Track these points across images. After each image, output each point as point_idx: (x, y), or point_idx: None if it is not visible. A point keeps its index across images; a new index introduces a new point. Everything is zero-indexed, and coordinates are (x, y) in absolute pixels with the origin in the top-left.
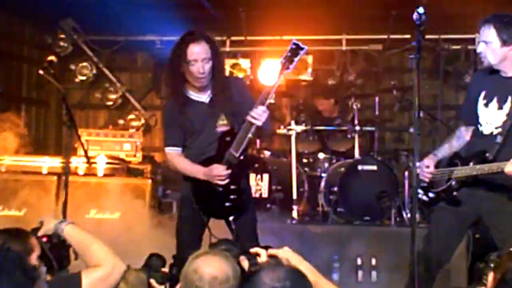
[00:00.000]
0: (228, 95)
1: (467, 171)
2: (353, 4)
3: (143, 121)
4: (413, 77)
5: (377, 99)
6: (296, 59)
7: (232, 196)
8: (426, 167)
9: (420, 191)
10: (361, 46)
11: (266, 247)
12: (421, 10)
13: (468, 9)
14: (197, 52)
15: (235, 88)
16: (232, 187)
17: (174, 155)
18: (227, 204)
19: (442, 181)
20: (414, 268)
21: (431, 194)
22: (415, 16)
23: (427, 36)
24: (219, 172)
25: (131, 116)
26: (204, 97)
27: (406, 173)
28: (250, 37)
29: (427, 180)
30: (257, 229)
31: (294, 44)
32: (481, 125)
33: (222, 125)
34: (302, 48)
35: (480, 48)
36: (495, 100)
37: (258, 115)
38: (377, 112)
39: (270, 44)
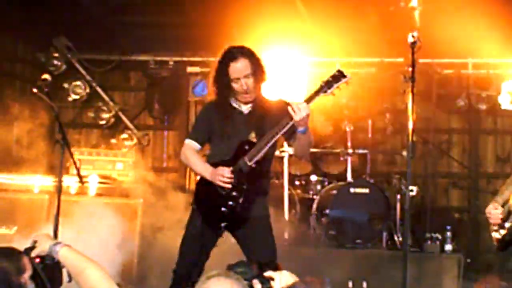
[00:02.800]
0: (266, 115)
1: None
2: (347, 27)
3: (135, 140)
4: (406, 100)
5: (370, 121)
6: (335, 85)
7: (230, 202)
8: (494, 213)
9: (494, 233)
10: (354, 69)
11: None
12: (415, 33)
13: (461, 34)
14: (238, 70)
15: (276, 106)
16: (234, 193)
17: (191, 148)
18: (223, 208)
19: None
20: None
21: (502, 231)
22: (409, 39)
23: (420, 60)
24: (222, 173)
25: (124, 136)
26: (245, 108)
27: (398, 196)
28: None
29: (496, 222)
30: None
31: (339, 71)
32: None
33: (252, 138)
34: (345, 76)
35: None
36: None
37: (298, 108)
38: (370, 135)
39: None
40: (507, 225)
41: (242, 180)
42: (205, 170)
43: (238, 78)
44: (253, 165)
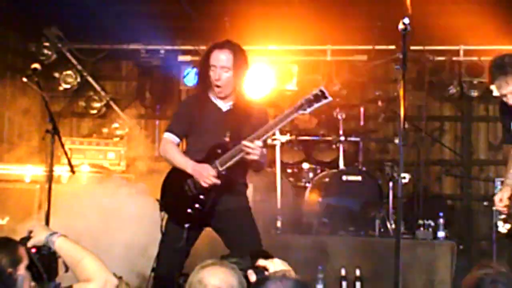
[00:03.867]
0: (244, 117)
1: None
2: (338, 14)
3: (127, 129)
4: (398, 88)
5: (362, 109)
6: (316, 105)
7: (196, 205)
8: (500, 201)
9: (499, 223)
10: (346, 57)
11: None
12: (406, 20)
13: (453, 21)
14: (218, 59)
15: (257, 113)
16: (201, 197)
17: (170, 141)
18: (188, 210)
19: None
20: (398, 278)
21: (507, 226)
22: (400, 26)
23: (412, 47)
24: (209, 174)
25: (115, 125)
26: (224, 105)
27: (391, 184)
28: None
29: (504, 211)
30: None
31: (321, 91)
32: None
33: (227, 137)
34: (326, 97)
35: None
36: None
37: (252, 149)
38: (362, 123)
39: (256, 54)
40: (507, 226)
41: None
42: (186, 163)
43: (215, 66)
44: (224, 172)
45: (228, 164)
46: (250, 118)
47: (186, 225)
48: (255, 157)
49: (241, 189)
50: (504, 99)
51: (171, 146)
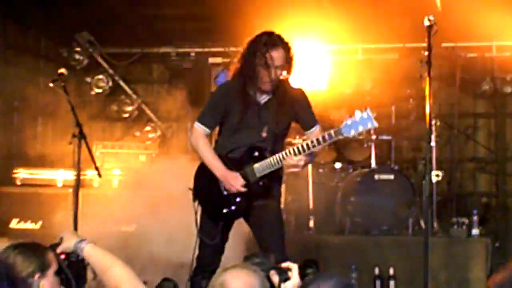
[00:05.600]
0: (282, 107)
1: None
2: (369, 13)
3: (159, 132)
4: (423, 85)
5: (393, 108)
6: (361, 128)
7: (233, 207)
8: None
9: None
10: (377, 55)
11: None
12: (432, 17)
13: (485, 17)
14: (276, 58)
15: (296, 98)
16: (237, 199)
17: (202, 134)
18: (224, 210)
19: None
20: (427, 277)
21: None
22: (426, 23)
23: (443, 44)
24: (236, 184)
25: (147, 128)
26: (261, 98)
27: (424, 182)
28: None
29: None
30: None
31: (368, 114)
32: None
33: (264, 131)
34: (373, 123)
35: None
36: None
37: (292, 165)
38: (393, 121)
39: None
40: None
41: (248, 189)
42: (217, 168)
43: (270, 67)
44: (260, 183)
45: (265, 171)
46: (288, 105)
47: (221, 223)
48: (298, 170)
49: (275, 194)
50: None
51: (204, 142)
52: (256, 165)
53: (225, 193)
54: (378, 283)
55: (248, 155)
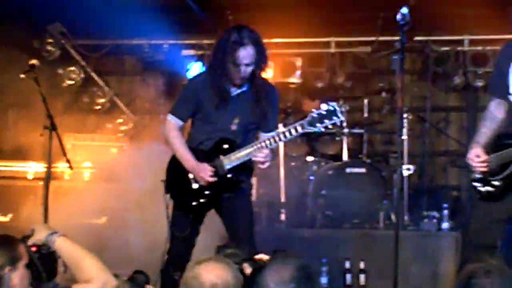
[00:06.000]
0: (255, 99)
1: None
2: (341, 6)
3: (131, 125)
4: (396, 79)
5: (366, 101)
6: (327, 122)
7: (202, 200)
8: (477, 157)
9: (477, 183)
10: (350, 49)
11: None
12: (404, 10)
13: (457, 10)
14: (243, 56)
15: (269, 95)
16: (206, 192)
17: (174, 126)
18: (193, 203)
19: (502, 166)
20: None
21: (496, 182)
22: (398, 16)
23: (416, 38)
24: (205, 175)
25: (120, 120)
26: (233, 91)
27: (395, 176)
28: None
29: (483, 170)
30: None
31: (334, 107)
32: (510, 94)
33: (234, 124)
34: (338, 117)
35: None
36: None
37: (261, 157)
38: (366, 115)
39: None
40: (497, 182)
41: (217, 182)
42: (187, 160)
43: (240, 65)
44: (229, 175)
45: (234, 164)
46: (261, 102)
47: (191, 216)
48: (265, 166)
49: (246, 186)
50: None
51: (176, 134)
52: (225, 158)
53: (195, 185)
54: (348, 276)
55: (218, 148)
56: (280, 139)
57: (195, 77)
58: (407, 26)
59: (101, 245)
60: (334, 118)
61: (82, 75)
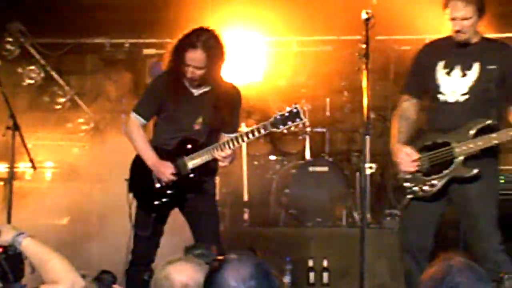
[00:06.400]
0: (218, 100)
1: (478, 143)
2: (303, 5)
3: (92, 124)
4: (361, 78)
5: (328, 100)
6: (290, 123)
7: (164, 199)
8: (408, 156)
9: (408, 183)
10: (311, 48)
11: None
12: (369, 10)
13: (419, 10)
14: (192, 59)
15: (230, 97)
16: (169, 191)
17: (136, 124)
18: (156, 202)
19: (434, 166)
20: (363, 268)
21: (435, 182)
22: (363, 16)
23: (377, 37)
24: (166, 172)
25: (80, 120)
26: (195, 90)
27: (358, 174)
28: None
29: (414, 169)
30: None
31: (297, 109)
32: (443, 94)
33: (197, 124)
34: (301, 118)
35: (459, 25)
36: (457, 68)
37: (223, 157)
38: (328, 113)
39: None
40: (436, 181)
41: (179, 181)
42: (149, 158)
43: (189, 66)
44: (191, 175)
45: (197, 164)
46: (224, 103)
47: (154, 215)
48: (225, 164)
49: (209, 186)
50: (452, 23)
51: (139, 131)
52: (188, 158)
53: (158, 185)
54: (312, 275)
55: (181, 147)
56: (243, 140)
57: (158, 76)
58: (372, 25)
59: (63, 245)
60: (297, 120)
61: (42, 74)
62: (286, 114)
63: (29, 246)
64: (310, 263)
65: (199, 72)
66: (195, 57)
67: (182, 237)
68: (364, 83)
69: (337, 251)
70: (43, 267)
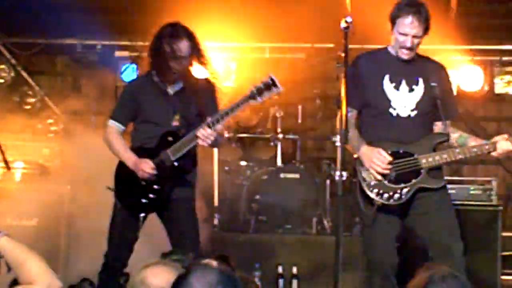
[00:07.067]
0: (192, 97)
1: (443, 156)
2: (277, 12)
3: (62, 126)
4: (336, 86)
5: (300, 107)
6: (267, 94)
7: (151, 195)
8: (382, 156)
9: (377, 191)
10: (284, 55)
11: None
12: (349, 19)
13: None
14: (179, 49)
15: (205, 90)
16: (155, 187)
17: (115, 131)
18: (143, 200)
19: (401, 175)
20: (337, 276)
21: (406, 190)
22: (343, 24)
23: (350, 46)
24: (144, 167)
25: (50, 121)
26: (170, 88)
27: (328, 182)
28: None
29: (388, 172)
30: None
31: (272, 79)
32: (395, 109)
33: (176, 120)
34: (277, 86)
35: (411, 42)
36: (403, 83)
37: (205, 136)
38: (300, 121)
39: None
40: (406, 189)
41: (165, 174)
42: (128, 159)
43: (177, 57)
44: (176, 163)
45: (180, 153)
46: (199, 96)
47: (142, 215)
48: (206, 144)
49: (191, 180)
50: (401, 38)
51: (117, 137)
52: (170, 149)
53: (143, 183)
54: (281, 282)
55: (163, 142)
56: (222, 118)
57: (132, 81)
58: (351, 34)
59: (32, 247)
60: (274, 89)
61: (13, 74)
62: (262, 86)
63: (5, 245)
64: (280, 270)
65: (185, 62)
66: (182, 46)
67: (158, 243)
68: (342, 92)
69: (307, 258)
70: (20, 267)
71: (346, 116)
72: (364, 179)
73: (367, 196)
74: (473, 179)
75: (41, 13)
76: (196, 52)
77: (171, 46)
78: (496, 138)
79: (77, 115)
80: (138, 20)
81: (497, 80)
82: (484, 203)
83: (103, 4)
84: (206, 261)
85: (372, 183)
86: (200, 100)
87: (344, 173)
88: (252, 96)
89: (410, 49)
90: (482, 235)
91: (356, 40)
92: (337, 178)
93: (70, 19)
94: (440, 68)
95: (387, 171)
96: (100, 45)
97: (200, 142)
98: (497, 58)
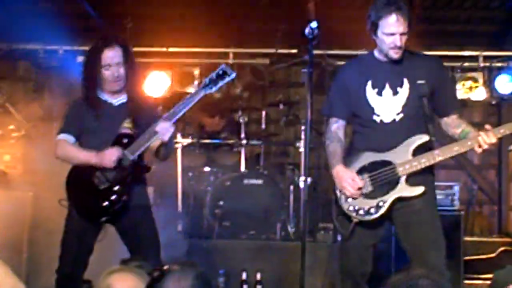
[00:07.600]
0: (139, 102)
1: (421, 161)
2: (240, 17)
3: (23, 132)
4: (299, 92)
5: (263, 113)
6: (221, 82)
7: (113, 197)
8: (352, 180)
9: (353, 208)
10: (248, 60)
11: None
12: (314, 24)
13: (354, 27)
14: (111, 57)
15: (150, 107)
16: (116, 188)
17: (66, 143)
18: (104, 203)
19: (378, 187)
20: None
21: (381, 203)
22: (307, 30)
23: (314, 52)
24: (112, 156)
25: (11, 127)
26: (114, 100)
27: (292, 187)
28: (136, 48)
29: (359, 196)
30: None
31: (223, 69)
32: (378, 115)
33: (126, 127)
34: (229, 74)
35: (400, 40)
36: (387, 86)
37: (165, 129)
38: (263, 126)
39: (157, 56)
40: (382, 204)
41: (124, 174)
42: (88, 156)
43: (110, 65)
44: (136, 159)
45: (139, 152)
46: (143, 111)
47: (104, 219)
48: (166, 138)
49: (142, 189)
50: (389, 39)
51: (71, 146)
52: (127, 150)
53: (103, 186)
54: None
55: (118, 143)
56: (180, 110)
57: (73, 101)
58: (315, 40)
59: None
60: (226, 78)
61: None
62: (214, 76)
63: None
64: (244, 275)
65: (122, 70)
66: (114, 53)
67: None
68: (308, 97)
69: (271, 264)
70: None
71: (312, 121)
72: (340, 195)
73: (344, 212)
74: (436, 184)
75: (2, 18)
76: (129, 59)
77: (102, 55)
78: (478, 133)
79: (38, 121)
80: (101, 25)
81: (458, 86)
82: (447, 208)
83: (65, 9)
84: (182, 266)
85: (349, 199)
86: (146, 116)
87: (308, 179)
88: (205, 86)
89: (400, 47)
90: (445, 240)
91: (319, 45)
92: (300, 183)
93: (32, 24)
94: (430, 62)
95: (356, 196)
96: (62, 50)
97: (160, 136)
98: (459, 64)
